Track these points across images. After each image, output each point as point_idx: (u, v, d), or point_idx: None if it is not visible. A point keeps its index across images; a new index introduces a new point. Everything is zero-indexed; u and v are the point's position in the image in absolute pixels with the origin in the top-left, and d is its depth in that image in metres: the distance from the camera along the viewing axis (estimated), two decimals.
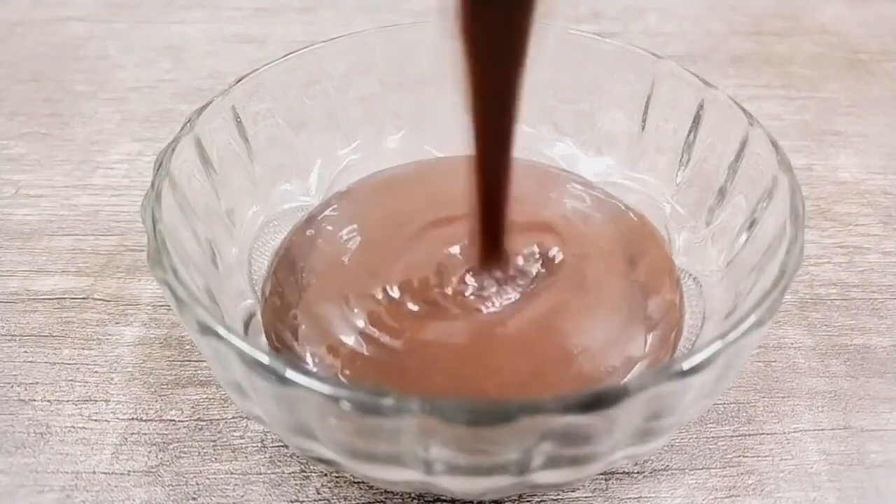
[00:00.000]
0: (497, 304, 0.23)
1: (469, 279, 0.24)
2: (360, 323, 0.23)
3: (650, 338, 0.23)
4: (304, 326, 0.23)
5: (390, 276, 0.24)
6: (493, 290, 0.23)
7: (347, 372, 0.22)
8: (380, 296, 0.23)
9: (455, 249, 0.24)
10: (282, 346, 0.23)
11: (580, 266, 0.24)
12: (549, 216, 0.26)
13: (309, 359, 0.22)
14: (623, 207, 0.27)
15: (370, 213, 0.27)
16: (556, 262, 0.24)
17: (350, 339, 0.22)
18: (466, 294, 0.23)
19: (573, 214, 0.27)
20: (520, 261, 0.24)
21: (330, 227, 0.26)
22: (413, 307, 0.23)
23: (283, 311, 0.23)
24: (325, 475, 0.22)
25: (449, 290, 0.23)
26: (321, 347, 0.22)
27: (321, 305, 0.23)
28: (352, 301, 0.23)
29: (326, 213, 0.27)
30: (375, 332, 0.22)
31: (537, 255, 0.25)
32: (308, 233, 0.26)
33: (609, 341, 0.22)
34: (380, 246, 0.25)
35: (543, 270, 0.24)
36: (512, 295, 0.23)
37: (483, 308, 0.23)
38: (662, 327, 0.23)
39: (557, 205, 0.27)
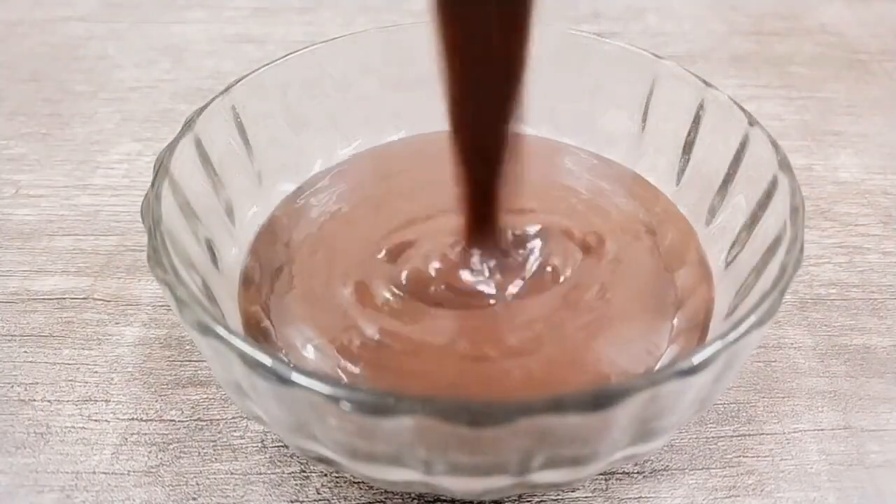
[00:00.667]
0: (504, 290, 0.22)
1: (472, 262, 0.22)
2: (348, 314, 0.22)
3: (678, 321, 0.22)
4: (279, 315, 0.22)
5: (380, 259, 0.23)
6: (500, 274, 0.22)
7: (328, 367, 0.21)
8: (369, 283, 0.22)
9: (455, 229, 0.23)
10: (257, 333, 0.22)
11: (601, 244, 0.24)
12: (562, 193, 0.26)
13: (285, 350, 0.21)
14: (637, 176, 0.27)
15: (362, 187, 0.26)
16: (571, 242, 0.24)
17: (333, 334, 0.21)
18: (469, 280, 0.22)
19: (587, 189, 0.26)
20: (527, 241, 0.23)
21: (315, 204, 0.26)
22: (410, 294, 0.22)
23: (259, 295, 0.23)
24: (325, 475, 0.22)
25: (449, 275, 0.22)
26: (295, 341, 0.21)
27: (301, 293, 0.23)
28: (339, 289, 0.22)
29: (315, 186, 0.27)
30: (364, 325, 0.21)
31: (548, 236, 0.24)
32: (293, 207, 0.26)
33: (636, 328, 0.22)
34: (369, 225, 0.25)
35: (556, 252, 0.23)
36: (521, 280, 0.22)
37: (490, 296, 0.22)
38: (691, 307, 0.22)
39: (569, 179, 0.27)
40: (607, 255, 0.24)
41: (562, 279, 0.23)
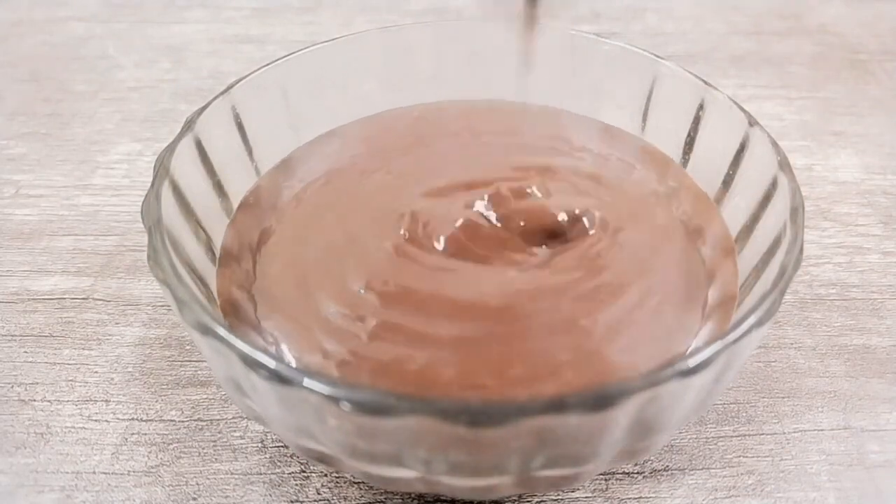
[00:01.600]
0: (529, 259, 0.22)
1: (482, 225, 0.22)
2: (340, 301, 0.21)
3: (711, 295, 0.22)
4: (263, 298, 0.22)
5: (375, 234, 0.23)
6: (522, 240, 0.22)
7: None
8: (365, 263, 0.22)
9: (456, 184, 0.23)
10: (235, 316, 0.21)
11: (619, 212, 0.23)
12: (577, 160, 0.26)
13: (269, 336, 0.21)
14: (651, 146, 0.27)
15: (354, 154, 0.26)
16: (591, 212, 0.23)
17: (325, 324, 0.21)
18: (492, 236, 0.22)
19: (603, 157, 0.26)
20: (549, 214, 0.23)
21: (301, 179, 0.26)
22: (418, 258, 0.22)
23: (238, 278, 0.22)
24: (325, 475, 0.22)
25: (468, 236, 0.22)
26: (283, 331, 0.21)
27: (287, 278, 0.22)
28: (328, 279, 0.22)
29: (301, 159, 0.26)
30: (359, 313, 0.21)
31: (568, 205, 0.23)
32: (275, 180, 0.25)
33: (669, 301, 0.21)
34: (363, 199, 0.24)
35: (574, 221, 0.23)
36: (534, 255, 0.22)
37: (513, 262, 0.21)
38: (720, 285, 0.22)
39: (585, 147, 0.27)
40: (634, 229, 0.23)
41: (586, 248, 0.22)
